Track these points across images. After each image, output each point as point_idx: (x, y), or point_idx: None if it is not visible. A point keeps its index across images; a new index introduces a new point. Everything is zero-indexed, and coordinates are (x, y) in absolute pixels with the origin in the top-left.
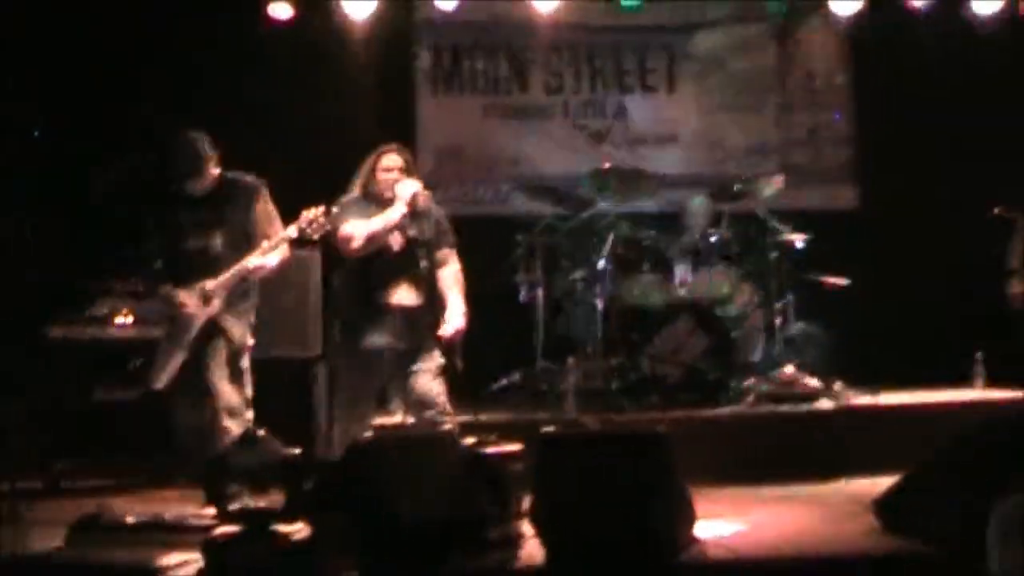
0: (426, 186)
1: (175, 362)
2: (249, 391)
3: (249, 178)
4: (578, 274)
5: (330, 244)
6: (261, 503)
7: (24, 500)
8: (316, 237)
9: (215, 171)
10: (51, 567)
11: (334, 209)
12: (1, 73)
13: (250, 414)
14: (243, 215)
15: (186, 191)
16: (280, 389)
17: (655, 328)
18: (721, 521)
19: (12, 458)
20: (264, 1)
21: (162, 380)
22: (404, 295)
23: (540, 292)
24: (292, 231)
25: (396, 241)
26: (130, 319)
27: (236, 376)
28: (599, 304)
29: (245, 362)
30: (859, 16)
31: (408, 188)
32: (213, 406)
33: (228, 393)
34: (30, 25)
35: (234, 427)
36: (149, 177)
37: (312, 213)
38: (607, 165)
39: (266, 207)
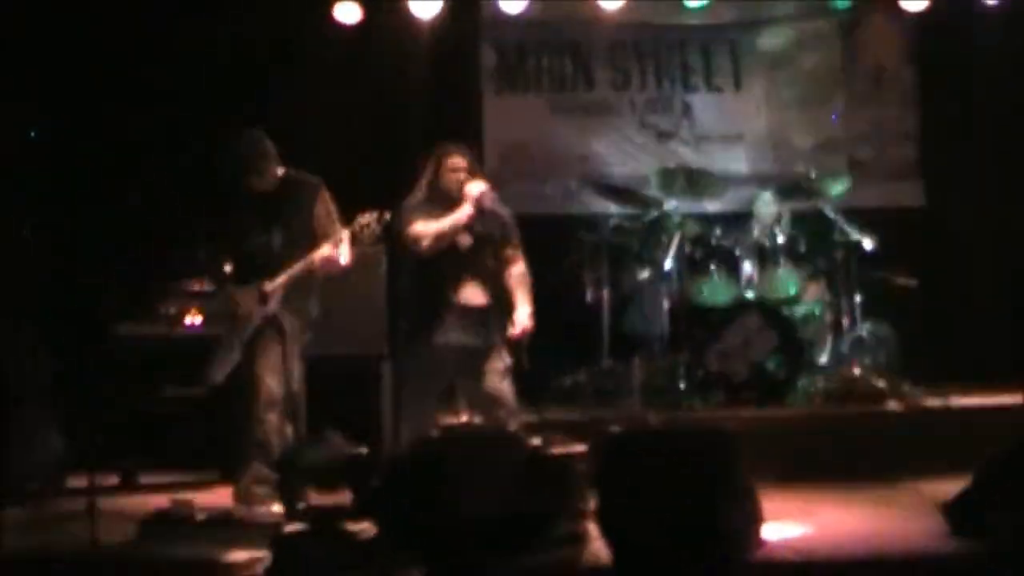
0: (492, 185)
1: (232, 359)
2: (296, 386)
3: (310, 177)
4: (645, 273)
5: (397, 244)
6: (329, 501)
7: (100, 495)
8: (368, 242)
9: (278, 170)
10: (123, 561)
11: (386, 215)
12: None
13: (287, 406)
14: (304, 214)
15: (249, 189)
16: (346, 387)
17: (722, 326)
18: (789, 522)
19: (88, 454)
20: (331, 3)
21: (219, 376)
22: (472, 294)
23: (607, 291)
24: (345, 235)
25: (464, 241)
26: (199, 319)
27: (283, 370)
28: (666, 302)
29: (295, 357)
30: (925, 11)
31: (475, 188)
32: (255, 396)
33: (270, 384)
34: (81, 28)
35: (272, 418)
36: (210, 176)
37: (364, 219)
38: (674, 164)
39: (326, 206)
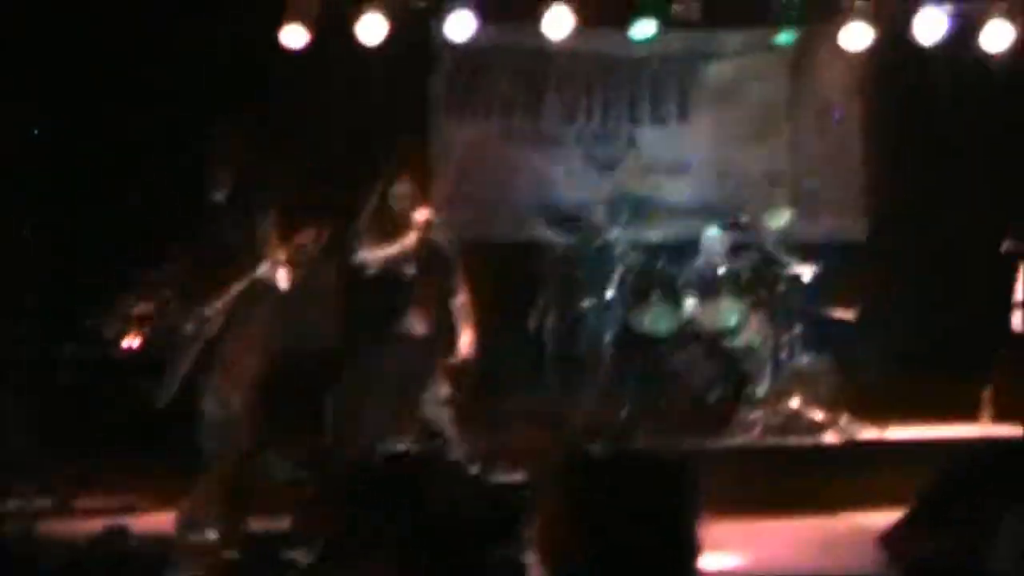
0: (439, 213)
1: (177, 381)
2: (238, 409)
3: (259, 196)
4: (589, 301)
5: (342, 270)
6: (270, 526)
7: (35, 521)
8: (306, 263)
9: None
10: None
11: (324, 235)
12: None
13: (230, 430)
14: (252, 233)
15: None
16: (292, 409)
17: (664, 357)
18: (726, 553)
19: (19, 476)
20: (277, 27)
21: (165, 398)
22: (415, 323)
23: (551, 318)
24: (280, 256)
25: (407, 270)
26: (137, 341)
27: (226, 391)
28: (609, 332)
29: (240, 380)
30: (871, 47)
31: (421, 216)
32: (198, 418)
33: (213, 407)
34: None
35: (214, 441)
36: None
37: (302, 238)
38: (619, 194)
39: (273, 226)
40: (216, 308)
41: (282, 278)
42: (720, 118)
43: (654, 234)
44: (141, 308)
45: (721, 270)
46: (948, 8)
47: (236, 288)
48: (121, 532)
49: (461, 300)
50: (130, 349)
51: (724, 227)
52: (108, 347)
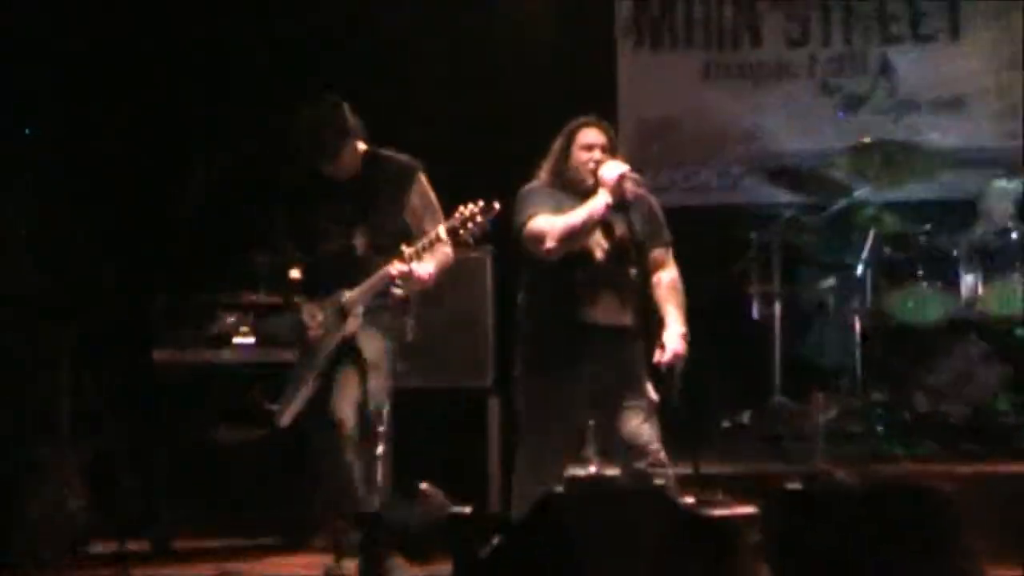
0: (635, 168)
1: (306, 392)
2: (382, 425)
3: (403, 158)
4: (830, 282)
5: (514, 245)
6: (421, 574)
7: (129, 564)
8: (472, 240)
9: (360, 148)
10: None
11: (496, 206)
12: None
13: (379, 449)
14: (393, 206)
15: (323, 176)
16: (444, 428)
17: (933, 354)
18: None
19: (116, 513)
20: None
21: (289, 417)
22: (609, 312)
23: (779, 306)
24: (441, 232)
25: (599, 241)
26: (252, 339)
27: (368, 404)
28: (857, 322)
29: (382, 388)
30: None
31: (614, 171)
32: (332, 437)
33: (351, 422)
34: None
35: (355, 463)
36: (273, 160)
37: (468, 210)
38: (868, 139)
39: (424, 195)
40: (358, 297)
41: (424, 268)
42: (1008, 33)
43: (916, 191)
44: (259, 298)
45: (1014, 236)
46: None
47: (379, 275)
48: None
49: (669, 279)
50: (245, 348)
51: (1016, 180)
52: (218, 348)
